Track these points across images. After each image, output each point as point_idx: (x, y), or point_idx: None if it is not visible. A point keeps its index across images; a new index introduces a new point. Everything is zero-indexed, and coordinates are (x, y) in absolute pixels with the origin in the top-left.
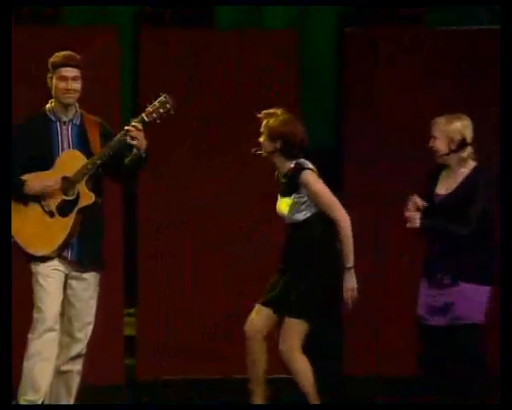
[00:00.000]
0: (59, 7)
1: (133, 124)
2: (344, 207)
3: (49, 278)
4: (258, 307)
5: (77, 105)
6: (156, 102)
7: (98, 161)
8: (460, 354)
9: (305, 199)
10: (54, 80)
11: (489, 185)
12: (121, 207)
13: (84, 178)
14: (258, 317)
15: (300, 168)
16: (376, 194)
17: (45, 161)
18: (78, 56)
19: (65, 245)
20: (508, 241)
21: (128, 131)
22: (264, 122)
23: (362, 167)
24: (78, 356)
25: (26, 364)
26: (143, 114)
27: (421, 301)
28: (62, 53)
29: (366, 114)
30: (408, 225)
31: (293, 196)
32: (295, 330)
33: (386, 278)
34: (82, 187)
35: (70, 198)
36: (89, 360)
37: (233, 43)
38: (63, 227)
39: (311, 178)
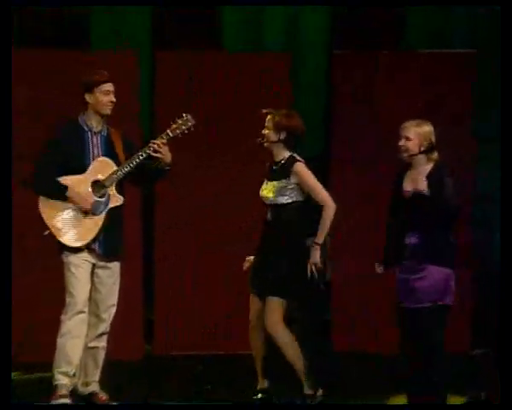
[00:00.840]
0: (85, 32)
1: (158, 139)
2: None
3: (80, 268)
4: (251, 297)
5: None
6: (179, 121)
7: (127, 169)
8: (424, 337)
9: (292, 186)
10: (96, 95)
11: (451, 178)
12: (141, 207)
13: (114, 183)
14: (252, 307)
15: (294, 159)
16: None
17: (79, 166)
18: (106, 73)
19: (95, 239)
20: (508, 242)
21: (153, 144)
22: (270, 117)
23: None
24: (103, 334)
25: (59, 341)
26: (168, 130)
27: (397, 285)
28: (101, 71)
29: (353, 122)
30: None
31: (281, 181)
32: (275, 307)
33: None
34: (112, 190)
35: (101, 199)
36: (112, 338)
37: (236, 63)
38: (95, 224)
39: (303, 167)
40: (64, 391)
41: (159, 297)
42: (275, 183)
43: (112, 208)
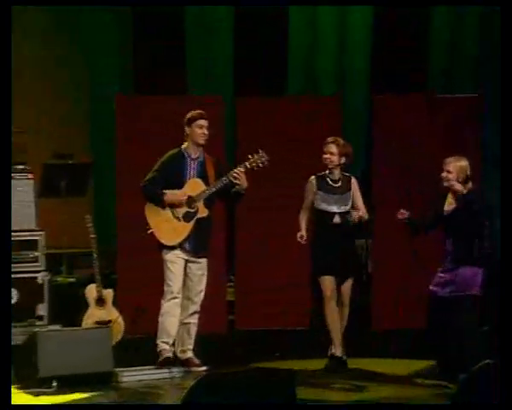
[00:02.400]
0: (182, 79)
1: (238, 168)
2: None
3: (175, 263)
4: (327, 279)
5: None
6: (256, 155)
7: (213, 190)
8: (458, 323)
9: (351, 198)
10: (193, 128)
11: (479, 203)
12: (225, 216)
13: (202, 199)
14: (329, 287)
15: (350, 176)
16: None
17: (178, 183)
18: (204, 114)
19: (186, 240)
20: (508, 244)
21: (234, 173)
22: (335, 145)
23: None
24: (194, 313)
25: (160, 319)
26: (246, 163)
27: (434, 280)
28: (198, 111)
29: (388, 152)
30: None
31: (346, 194)
32: (350, 285)
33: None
34: (200, 204)
35: (192, 210)
36: (202, 315)
37: (298, 106)
38: (186, 229)
39: (356, 183)
40: (166, 354)
41: (238, 283)
42: (340, 196)
43: (199, 217)
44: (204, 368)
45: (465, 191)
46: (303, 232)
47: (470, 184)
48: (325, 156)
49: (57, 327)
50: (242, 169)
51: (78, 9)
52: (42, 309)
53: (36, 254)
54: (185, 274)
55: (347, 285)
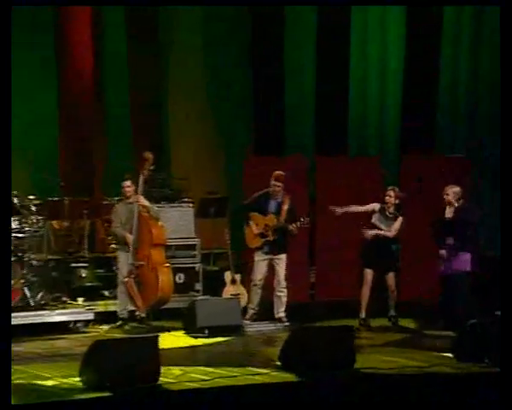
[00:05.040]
0: (280, 141)
1: (296, 223)
2: None
3: (261, 261)
4: (368, 270)
5: (283, 193)
6: (306, 217)
7: (279, 225)
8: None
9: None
10: (272, 182)
11: (466, 213)
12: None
13: (273, 229)
14: (369, 276)
15: (399, 215)
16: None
17: (263, 211)
18: (283, 174)
19: (264, 244)
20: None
21: (293, 226)
22: (393, 192)
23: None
24: (282, 288)
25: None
26: (298, 223)
27: (441, 262)
28: (276, 172)
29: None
30: None
31: (396, 221)
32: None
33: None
34: (273, 230)
35: (268, 238)
36: (294, 291)
37: (358, 164)
38: (261, 239)
39: (400, 221)
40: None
41: (318, 263)
42: (389, 222)
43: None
44: (289, 324)
45: (457, 205)
46: (342, 210)
47: (462, 201)
48: (386, 197)
49: (207, 297)
50: (297, 226)
51: None
52: (198, 286)
53: (194, 252)
54: (272, 267)
55: (391, 276)
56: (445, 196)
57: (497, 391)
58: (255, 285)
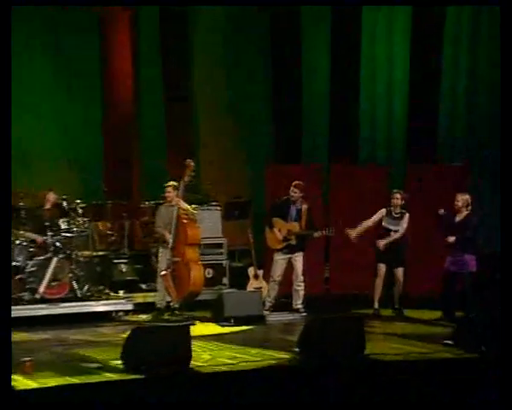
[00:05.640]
0: (298, 150)
1: (317, 233)
2: None
3: (280, 260)
4: (381, 265)
5: (301, 200)
6: (329, 230)
7: (304, 233)
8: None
9: (401, 223)
10: (291, 188)
11: (472, 218)
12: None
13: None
14: (382, 271)
15: (406, 213)
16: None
17: (284, 217)
18: (301, 183)
19: (284, 247)
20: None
21: (312, 234)
22: (400, 195)
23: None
24: (299, 282)
25: (271, 284)
26: (320, 232)
27: (447, 261)
28: (296, 182)
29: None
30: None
31: (402, 220)
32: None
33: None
34: (294, 236)
35: (290, 242)
36: (311, 285)
37: (368, 172)
38: (282, 242)
39: (407, 217)
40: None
41: (332, 260)
42: (397, 221)
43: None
44: (306, 314)
45: (467, 211)
46: (355, 232)
47: (470, 208)
48: (393, 200)
49: (233, 290)
50: (315, 234)
51: None
52: (225, 280)
53: (221, 250)
54: (290, 265)
55: (399, 270)
56: (455, 203)
57: (497, 391)
58: (274, 281)
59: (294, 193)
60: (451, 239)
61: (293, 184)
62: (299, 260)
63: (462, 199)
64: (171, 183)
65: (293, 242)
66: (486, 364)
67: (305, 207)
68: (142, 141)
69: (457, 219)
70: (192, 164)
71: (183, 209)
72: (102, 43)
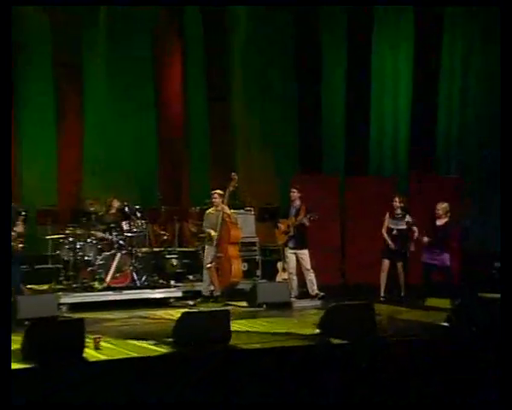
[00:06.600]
0: (318, 160)
1: (306, 218)
2: None
3: (290, 255)
4: (386, 260)
5: (299, 200)
6: (313, 215)
7: (297, 223)
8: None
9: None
10: (291, 193)
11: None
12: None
13: (293, 226)
14: (386, 265)
15: (406, 214)
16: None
17: (286, 217)
18: (299, 187)
19: (288, 240)
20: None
21: (305, 220)
22: (397, 199)
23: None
24: (310, 273)
25: (289, 277)
26: (309, 216)
27: (427, 257)
28: (294, 184)
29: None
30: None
31: (404, 219)
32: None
33: None
34: (293, 227)
35: (290, 233)
36: (320, 274)
37: (375, 182)
38: (285, 236)
39: (409, 217)
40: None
41: (347, 257)
42: (399, 221)
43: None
44: (324, 298)
45: (448, 217)
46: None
47: (449, 214)
48: (394, 204)
49: (265, 281)
50: (308, 219)
51: None
52: (258, 272)
53: (255, 247)
54: (298, 260)
55: (399, 265)
56: (436, 211)
57: (497, 391)
58: (291, 273)
59: (293, 193)
60: (426, 240)
61: (293, 186)
62: (304, 257)
63: (442, 208)
64: (218, 191)
65: (292, 233)
66: (486, 364)
67: (302, 206)
68: (191, 156)
69: (438, 223)
70: (236, 177)
71: (227, 213)
72: (155, 66)
